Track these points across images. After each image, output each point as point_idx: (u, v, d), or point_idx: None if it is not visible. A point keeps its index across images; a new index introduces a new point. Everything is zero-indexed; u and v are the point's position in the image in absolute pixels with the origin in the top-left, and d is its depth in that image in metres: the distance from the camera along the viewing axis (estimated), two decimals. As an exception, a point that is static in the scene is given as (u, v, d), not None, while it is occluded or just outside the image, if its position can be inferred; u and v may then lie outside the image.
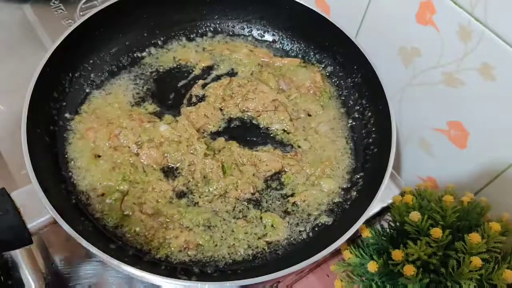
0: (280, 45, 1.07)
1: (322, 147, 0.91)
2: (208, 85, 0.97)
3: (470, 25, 0.73)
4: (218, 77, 0.99)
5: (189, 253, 0.77)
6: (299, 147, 0.91)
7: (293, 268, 0.68)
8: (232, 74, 1.00)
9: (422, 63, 0.87)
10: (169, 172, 0.85)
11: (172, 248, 0.77)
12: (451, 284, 0.67)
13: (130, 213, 0.79)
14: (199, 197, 0.83)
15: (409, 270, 0.67)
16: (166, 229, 0.78)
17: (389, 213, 0.84)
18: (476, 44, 0.74)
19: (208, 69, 1.00)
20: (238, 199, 0.83)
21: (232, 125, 0.93)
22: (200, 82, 0.98)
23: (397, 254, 0.70)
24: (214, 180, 0.84)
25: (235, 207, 0.82)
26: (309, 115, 0.95)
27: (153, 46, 1.02)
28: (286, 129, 0.92)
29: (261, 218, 0.82)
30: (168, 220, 0.80)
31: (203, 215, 0.80)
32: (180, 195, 0.83)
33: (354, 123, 0.95)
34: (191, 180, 0.84)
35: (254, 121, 0.94)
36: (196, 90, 0.96)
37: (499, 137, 0.78)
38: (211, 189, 0.83)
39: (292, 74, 1.00)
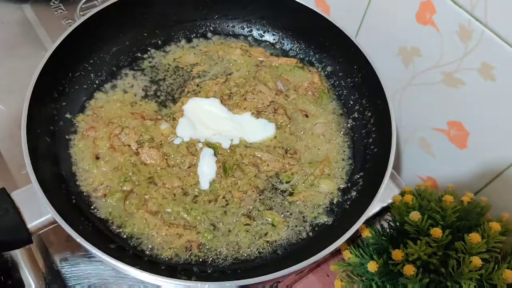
0: (280, 45, 1.07)
1: (318, 147, 0.91)
2: (204, 83, 0.97)
3: (470, 25, 0.73)
4: (215, 77, 0.99)
5: (191, 252, 0.77)
6: (292, 148, 0.90)
7: (293, 268, 0.68)
8: (228, 75, 1.00)
9: (422, 63, 0.87)
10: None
11: (175, 248, 0.77)
12: (451, 284, 0.67)
13: (134, 211, 0.79)
14: (201, 197, 0.83)
15: (409, 270, 0.67)
16: (169, 227, 0.78)
17: (389, 213, 0.84)
18: (476, 44, 0.74)
19: (205, 71, 1.00)
20: (240, 199, 0.83)
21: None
22: (197, 81, 0.97)
23: (397, 254, 0.70)
24: (216, 181, 0.84)
25: (238, 206, 0.82)
26: (306, 116, 0.95)
27: (153, 46, 1.02)
28: (278, 133, 0.92)
29: (261, 217, 0.82)
30: (174, 217, 0.80)
31: (209, 213, 0.80)
32: (185, 193, 0.83)
33: (354, 123, 0.95)
34: (192, 180, 0.84)
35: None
36: (192, 87, 0.96)
37: (499, 137, 0.78)
38: (213, 190, 0.84)
39: (288, 75, 1.00)
